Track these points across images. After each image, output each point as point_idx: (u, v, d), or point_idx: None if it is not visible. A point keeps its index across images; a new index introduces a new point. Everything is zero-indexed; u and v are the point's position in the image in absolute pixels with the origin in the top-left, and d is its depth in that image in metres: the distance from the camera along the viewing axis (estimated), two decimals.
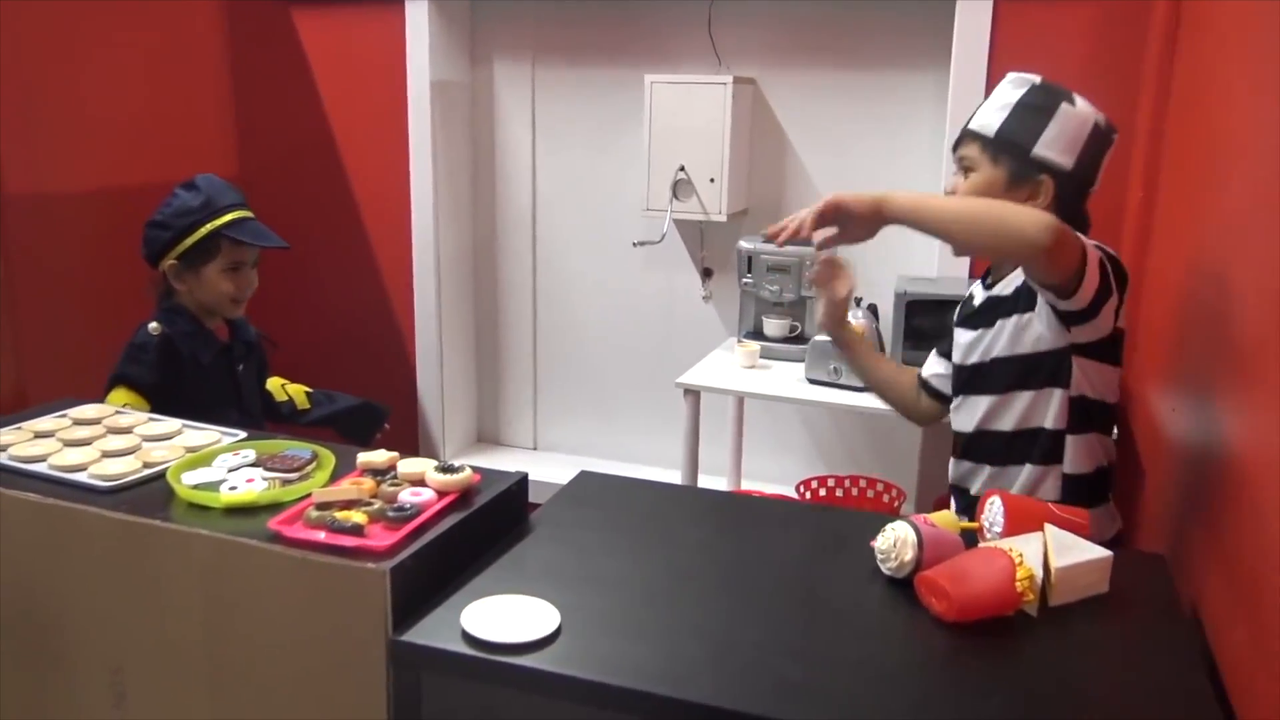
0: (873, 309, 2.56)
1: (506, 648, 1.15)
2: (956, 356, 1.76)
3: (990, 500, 1.47)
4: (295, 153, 3.25)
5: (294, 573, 1.26)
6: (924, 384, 1.91)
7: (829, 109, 2.82)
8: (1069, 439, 1.61)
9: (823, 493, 2.77)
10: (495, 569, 1.35)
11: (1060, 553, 1.32)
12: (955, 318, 1.80)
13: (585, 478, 1.72)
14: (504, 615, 1.21)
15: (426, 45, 3.00)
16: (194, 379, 1.98)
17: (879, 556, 1.37)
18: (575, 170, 3.15)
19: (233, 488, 1.40)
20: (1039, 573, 1.27)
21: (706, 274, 3.08)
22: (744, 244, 2.73)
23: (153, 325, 1.98)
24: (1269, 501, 1.22)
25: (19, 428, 1.62)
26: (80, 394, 1.82)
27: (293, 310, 3.36)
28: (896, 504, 2.69)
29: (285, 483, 1.43)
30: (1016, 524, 1.41)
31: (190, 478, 1.44)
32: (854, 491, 2.79)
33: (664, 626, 1.23)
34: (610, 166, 3.09)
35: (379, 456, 1.46)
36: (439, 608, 1.24)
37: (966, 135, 1.64)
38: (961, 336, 1.75)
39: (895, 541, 1.34)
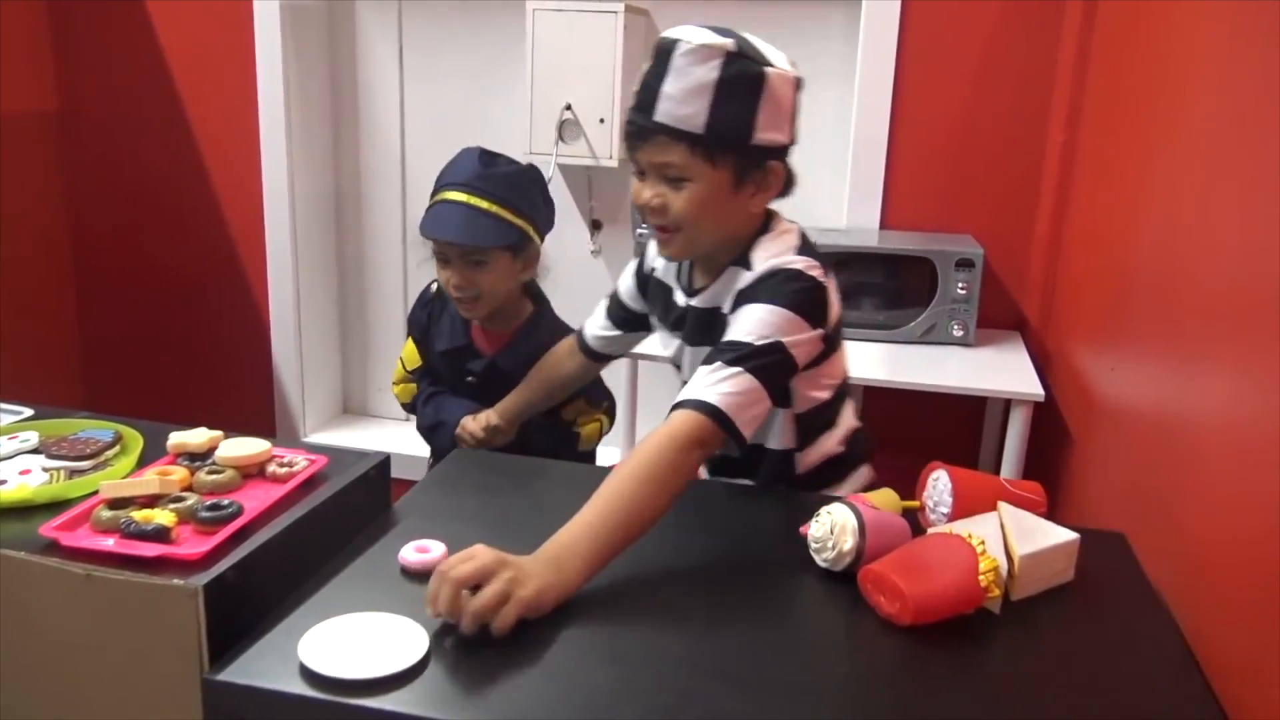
0: None
1: (358, 685, 0.89)
2: (664, 350, 1.51)
3: (934, 475, 1.28)
4: (125, 86, 2.84)
5: (75, 593, 0.97)
6: (585, 346, 1.65)
7: None
8: (797, 455, 1.41)
9: None
10: (346, 579, 1.08)
11: (1022, 538, 1.14)
12: (656, 309, 1.51)
13: (462, 455, 1.47)
14: (356, 641, 0.95)
15: None
16: (435, 358, 1.78)
17: (813, 545, 1.16)
18: (450, 109, 2.84)
19: (1, 482, 1.09)
20: (1003, 563, 1.09)
21: (595, 226, 2.82)
22: None
23: (435, 284, 1.81)
24: (1237, 468, 1.06)
25: None
26: None
27: (124, 266, 2.97)
28: None
29: (73, 474, 1.13)
30: (966, 503, 1.23)
31: None
32: None
33: (563, 646, 0.99)
34: (489, 105, 2.79)
35: (196, 437, 1.17)
36: (270, 634, 0.97)
37: (657, 133, 1.26)
38: (667, 336, 1.49)
39: (832, 528, 1.13)
